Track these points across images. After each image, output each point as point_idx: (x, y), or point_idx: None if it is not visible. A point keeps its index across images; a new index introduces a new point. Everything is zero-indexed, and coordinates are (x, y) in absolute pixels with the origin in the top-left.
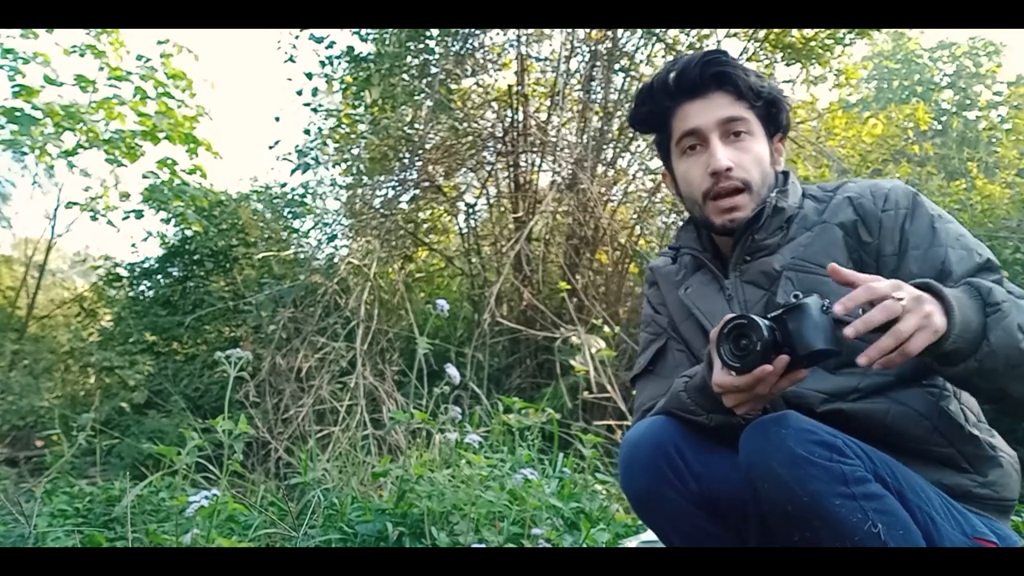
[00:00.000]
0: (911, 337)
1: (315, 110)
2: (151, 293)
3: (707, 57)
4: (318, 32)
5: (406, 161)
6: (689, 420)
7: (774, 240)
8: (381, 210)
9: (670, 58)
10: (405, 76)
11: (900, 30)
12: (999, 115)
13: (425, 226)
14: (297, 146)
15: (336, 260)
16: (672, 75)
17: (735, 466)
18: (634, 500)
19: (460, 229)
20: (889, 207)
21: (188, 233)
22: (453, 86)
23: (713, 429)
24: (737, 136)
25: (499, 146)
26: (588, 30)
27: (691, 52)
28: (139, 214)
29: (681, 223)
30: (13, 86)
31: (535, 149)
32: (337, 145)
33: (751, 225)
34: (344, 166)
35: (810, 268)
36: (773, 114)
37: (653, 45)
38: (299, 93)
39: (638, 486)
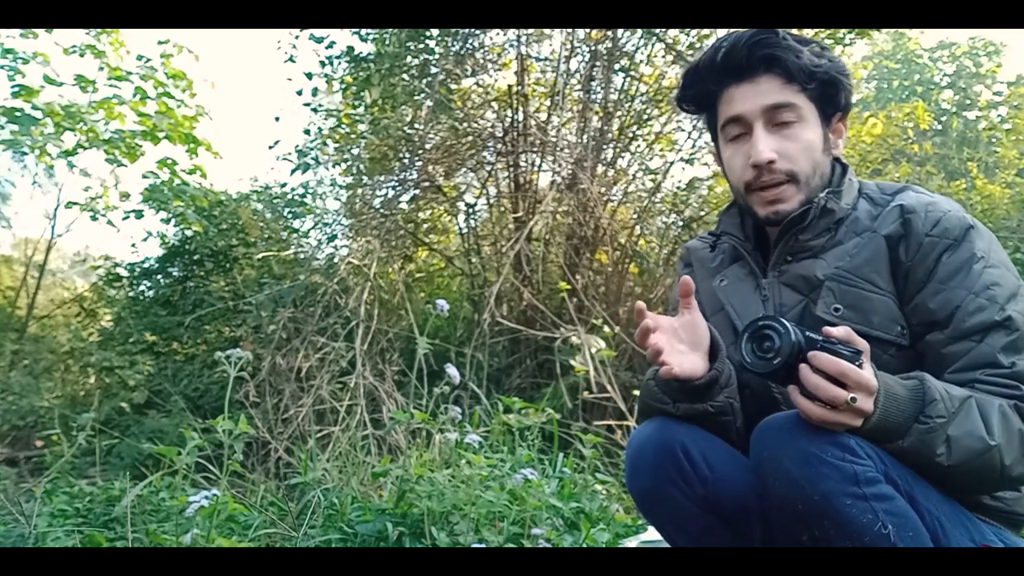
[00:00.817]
0: (827, 423)
1: (315, 110)
2: (151, 293)
3: (756, 37)
4: (318, 32)
5: (406, 161)
6: (660, 409)
7: (819, 242)
8: (381, 210)
9: (670, 58)
10: (405, 76)
11: (900, 30)
12: (999, 115)
13: (425, 226)
14: (297, 146)
15: (336, 260)
16: (719, 55)
17: (741, 468)
18: (639, 500)
19: (460, 229)
20: (936, 233)
21: (188, 233)
22: (453, 86)
23: (680, 417)
24: (786, 124)
25: (499, 146)
26: (588, 30)
27: (739, 31)
28: (139, 214)
29: (682, 222)
30: (13, 86)
31: (535, 149)
32: (337, 145)
33: (796, 224)
34: (344, 166)
35: (853, 281)
36: (830, 95)
37: (653, 45)
38: (299, 93)
39: (643, 487)
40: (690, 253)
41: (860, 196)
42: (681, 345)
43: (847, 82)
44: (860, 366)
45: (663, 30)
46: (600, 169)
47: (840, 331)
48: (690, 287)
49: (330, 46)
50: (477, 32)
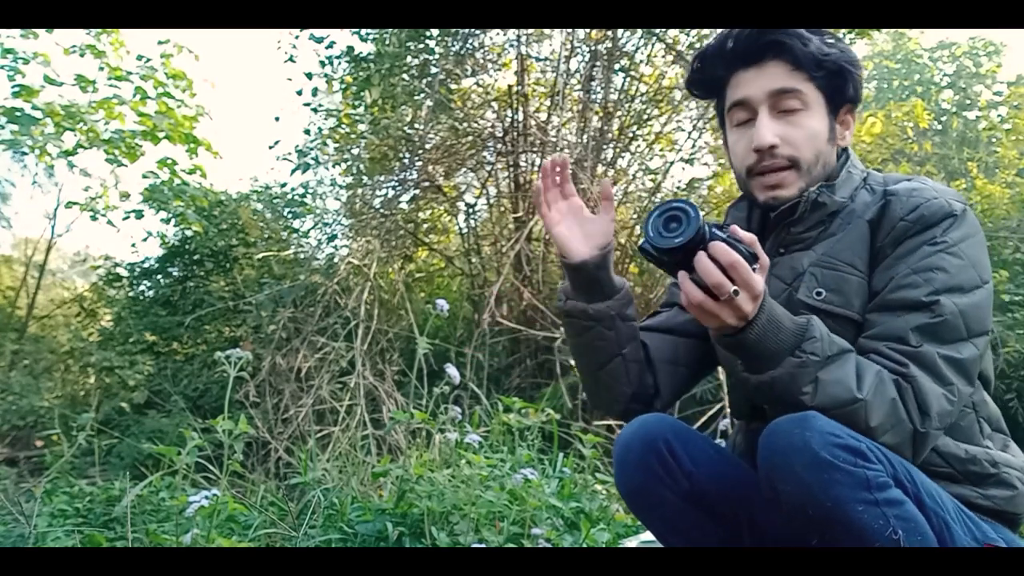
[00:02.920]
0: (703, 312)
1: (315, 110)
2: (151, 293)
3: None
4: (318, 32)
5: (406, 161)
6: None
7: (811, 235)
8: (381, 210)
9: (670, 58)
10: (405, 76)
11: (900, 30)
12: (999, 115)
13: (425, 226)
14: (297, 146)
15: (336, 260)
16: (729, 40)
17: (725, 462)
18: (627, 498)
19: (460, 229)
20: (911, 218)
21: (188, 233)
22: (453, 86)
23: (567, 314)
24: (790, 111)
25: (499, 146)
26: (588, 30)
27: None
28: (139, 214)
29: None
30: (13, 86)
31: (535, 149)
32: (337, 145)
33: (786, 217)
34: (344, 166)
35: (835, 265)
36: (838, 85)
37: (653, 45)
38: (299, 93)
39: (630, 484)
40: None
41: (863, 187)
42: (577, 229)
43: (857, 73)
44: (754, 270)
45: (663, 30)
46: (600, 169)
47: (747, 236)
48: (609, 192)
49: (330, 46)
50: (477, 32)
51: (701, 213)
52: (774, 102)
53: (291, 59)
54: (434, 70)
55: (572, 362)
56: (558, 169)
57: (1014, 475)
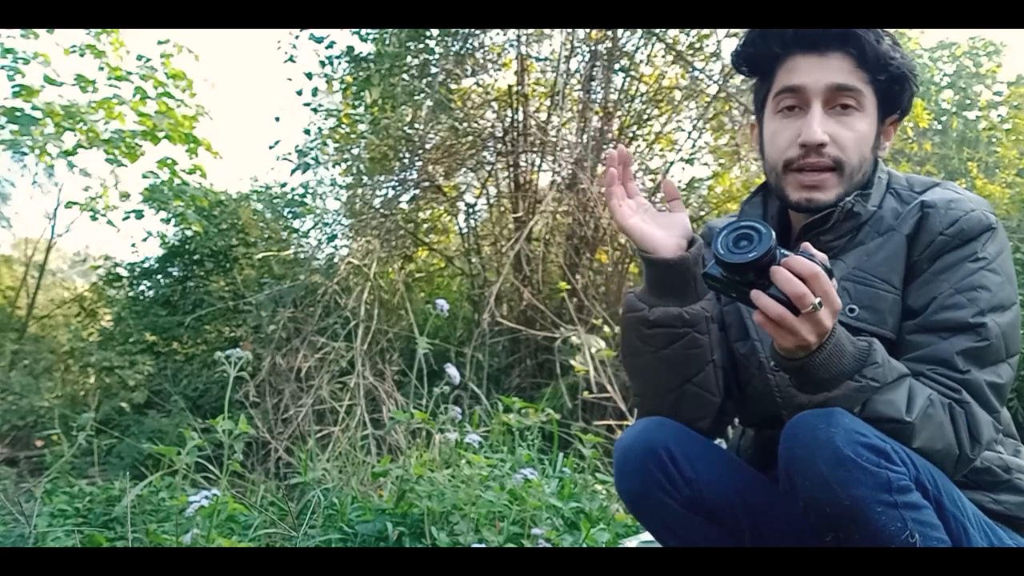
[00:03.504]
0: (781, 329)
1: (315, 110)
2: (151, 293)
3: None
4: (318, 32)
5: (406, 161)
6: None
7: (840, 243)
8: (381, 210)
9: (670, 58)
10: (405, 76)
11: (900, 30)
12: (999, 115)
13: (425, 226)
14: (297, 146)
15: (336, 260)
16: None
17: (729, 469)
18: (627, 503)
19: (460, 229)
20: (951, 232)
21: (188, 233)
22: (453, 86)
23: (655, 324)
24: (844, 109)
25: (499, 146)
26: (588, 30)
27: None
28: (139, 214)
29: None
30: (13, 86)
31: (535, 149)
32: (337, 145)
33: (818, 226)
34: (344, 166)
35: (869, 281)
36: (895, 92)
37: (653, 45)
38: (299, 93)
39: (630, 490)
40: (711, 231)
41: (888, 192)
42: (652, 221)
43: (914, 85)
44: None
45: (663, 30)
46: (600, 169)
47: (820, 253)
48: (675, 191)
49: (330, 46)
50: (477, 32)
51: (772, 232)
52: (830, 97)
53: (291, 59)
54: (434, 70)
55: (573, 362)
56: (622, 163)
57: None
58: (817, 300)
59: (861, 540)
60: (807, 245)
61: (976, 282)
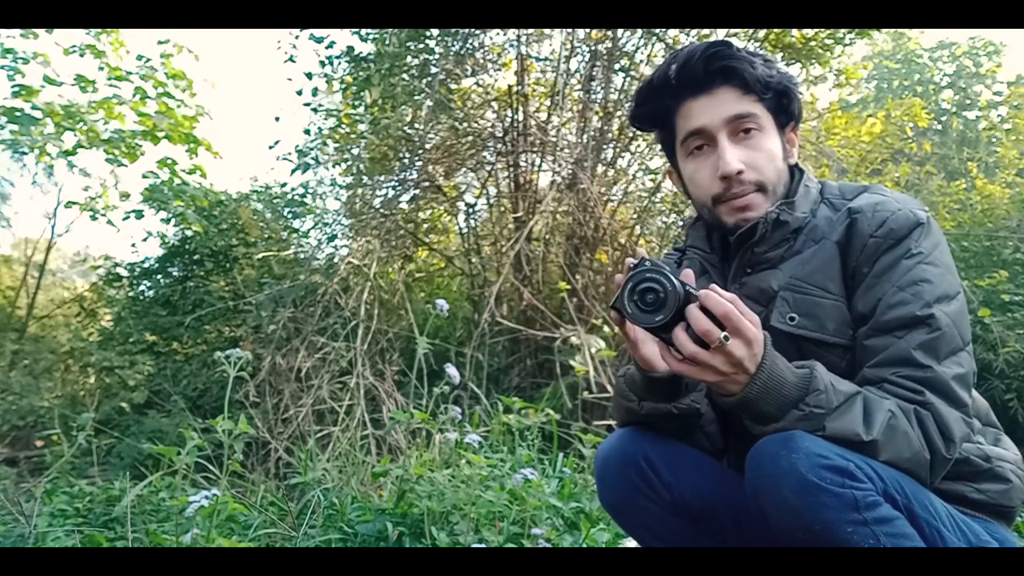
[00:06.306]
0: (697, 366)
1: (315, 110)
2: (151, 293)
3: (710, 50)
4: (318, 32)
5: (406, 161)
6: (655, 423)
7: (777, 253)
8: (381, 210)
9: None
10: (405, 76)
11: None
12: (999, 115)
13: (425, 226)
14: (297, 146)
15: (336, 260)
16: (673, 69)
17: (705, 473)
18: (610, 511)
19: (460, 229)
20: (881, 233)
21: (188, 233)
22: (453, 86)
23: (645, 417)
24: (747, 133)
25: (499, 146)
26: (588, 30)
27: (691, 44)
28: (139, 214)
29: (683, 222)
30: (13, 86)
31: (535, 149)
32: (337, 145)
33: (748, 238)
34: (344, 166)
35: (806, 289)
36: (784, 105)
37: (653, 45)
38: (299, 93)
39: (612, 498)
40: (668, 259)
41: (822, 201)
42: (648, 339)
43: (798, 92)
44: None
45: (663, 30)
46: (600, 169)
47: (726, 293)
48: None
49: (330, 46)
50: (477, 32)
51: (674, 279)
52: (732, 127)
53: (291, 59)
54: (434, 70)
55: (573, 362)
56: None
57: (1007, 468)
58: (724, 335)
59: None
60: (713, 287)
61: (916, 276)
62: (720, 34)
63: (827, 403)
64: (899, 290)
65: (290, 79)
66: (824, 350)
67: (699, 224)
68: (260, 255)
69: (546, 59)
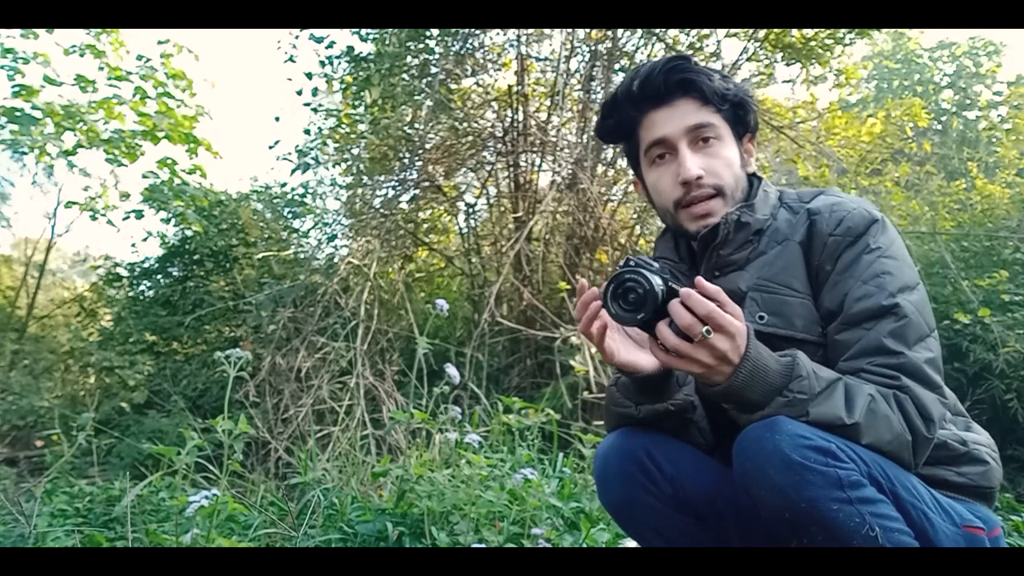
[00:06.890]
0: (680, 358)
1: (315, 110)
2: (151, 293)
3: (670, 64)
4: (318, 32)
5: (406, 161)
6: (626, 415)
7: (742, 255)
8: (381, 210)
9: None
10: (405, 76)
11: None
12: (999, 115)
13: (425, 226)
14: (297, 146)
15: (336, 260)
16: (636, 84)
17: (704, 466)
18: (613, 511)
19: (460, 229)
20: (839, 232)
21: (188, 233)
22: (453, 86)
23: (643, 420)
24: (706, 142)
25: (499, 146)
26: (588, 30)
27: (651, 60)
28: (139, 214)
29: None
30: (13, 86)
31: (535, 149)
32: (337, 145)
33: (711, 241)
34: (344, 166)
35: (773, 288)
36: (740, 116)
37: (653, 45)
38: (299, 93)
39: (615, 496)
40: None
41: (781, 206)
42: (630, 340)
43: (754, 104)
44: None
45: (663, 30)
46: (600, 169)
47: (711, 286)
48: None
49: (330, 46)
50: (477, 32)
51: (653, 278)
52: (691, 136)
53: (291, 59)
54: (434, 70)
55: (573, 362)
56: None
57: (983, 451)
58: (705, 329)
59: (824, 540)
60: (700, 280)
61: (878, 269)
62: (720, 34)
63: (810, 389)
64: (863, 284)
65: (290, 79)
66: (795, 345)
67: (667, 235)
68: (260, 255)
69: (546, 59)
